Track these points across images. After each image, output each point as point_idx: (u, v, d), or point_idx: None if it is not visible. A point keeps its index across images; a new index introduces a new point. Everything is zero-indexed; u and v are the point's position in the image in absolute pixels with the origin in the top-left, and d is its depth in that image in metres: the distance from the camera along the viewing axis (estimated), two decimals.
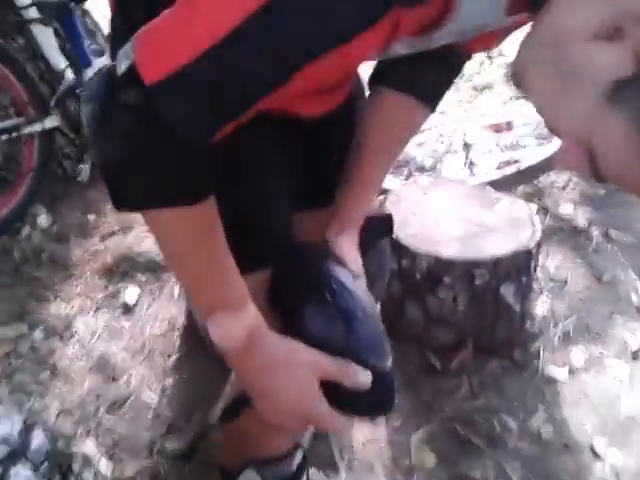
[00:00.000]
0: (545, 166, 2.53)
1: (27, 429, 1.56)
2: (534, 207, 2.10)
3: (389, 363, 1.01)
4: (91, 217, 2.68)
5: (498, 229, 2.03)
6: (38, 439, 1.53)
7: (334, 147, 1.20)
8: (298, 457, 1.21)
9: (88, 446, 1.81)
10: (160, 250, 0.91)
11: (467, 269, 1.94)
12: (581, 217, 2.59)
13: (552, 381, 1.99)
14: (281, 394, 0.92)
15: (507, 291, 1.99)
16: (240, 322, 0.89)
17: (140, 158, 0.77)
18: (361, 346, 0.98)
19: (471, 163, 2.64)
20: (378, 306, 1.99)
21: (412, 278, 2.01)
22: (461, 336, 2.04)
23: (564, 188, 2.74)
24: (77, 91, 2.50)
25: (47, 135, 2.52)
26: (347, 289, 1.02)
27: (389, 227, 1.29)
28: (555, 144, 2.57)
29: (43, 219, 2.65)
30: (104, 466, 1.76)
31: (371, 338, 1.01)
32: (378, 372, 0.97)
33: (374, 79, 1.13)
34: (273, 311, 1.01)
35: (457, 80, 3.63)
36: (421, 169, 2.38)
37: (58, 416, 1.90)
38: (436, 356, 2.04)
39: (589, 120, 0.64)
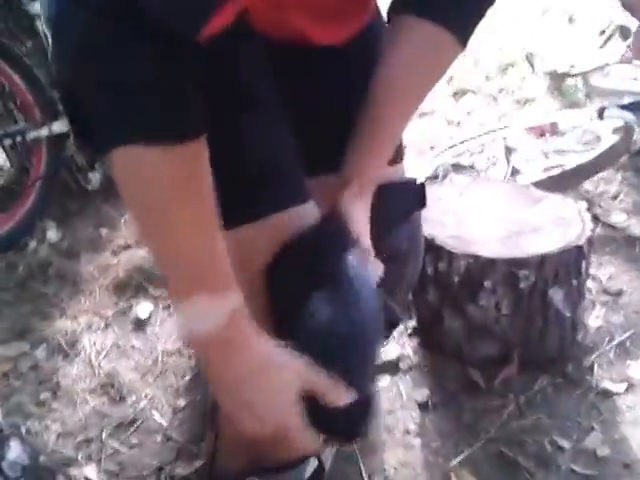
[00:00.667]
0: (593, 168, 2.34)
1: (2, 440, 1.37)
2: (583, 204, 1.90)
3: (374, 385, 0.93)
4: (104, 231, 2.55)
5: (543, 228, 1.83)
6: (15, 452, 1.34)
7: (346, 93, 1.01)
8: (311, 466, 1.01)
9: (89, 471, 1.64)
10: (130, 209, 0.75)
11: (510, 270, 1.74)
12: (635, 227, 2.38)
13: (609, 398, 1.76)
14: (258, 397, 0.80)
15: (556, 295, 1.78)
16: (221, 307, 0.74)
17: (117, 74, 0.64)
18: (350, 363, 0.86)
19: (514, 171, 2.45)
20: (409, 297, 1.83)
21: (450, 284, 1.81)
22: (506, 349, 1.82)
23: (615, 198, 2.53)
24: None
25: (56, 141, 2.40)
26: (354, 290, 0.87)
27: (422, 197, 1.12)
28: (604, 145, 2.38)
29: (53, 233, 2.54)
30: None
31: (362, 355, 0.88)
32: (362, 392, 0.86)
33: (394, 8, 0.96)
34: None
35: (497, 94, 3.50)
36: (457, 168, 2.20)
37: (58, 439, 1.74)
38: (479, 372, 1.83)
39: None
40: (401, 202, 1.04)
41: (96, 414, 1.80)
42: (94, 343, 2.04)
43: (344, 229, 0.91)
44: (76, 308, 2.19)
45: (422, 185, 1.12)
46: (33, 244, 2.47)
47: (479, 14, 0.96)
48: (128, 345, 2.04)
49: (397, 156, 1.14)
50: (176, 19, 0.64)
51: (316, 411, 0.86)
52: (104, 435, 1.73)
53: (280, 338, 0.83)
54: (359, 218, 0.94)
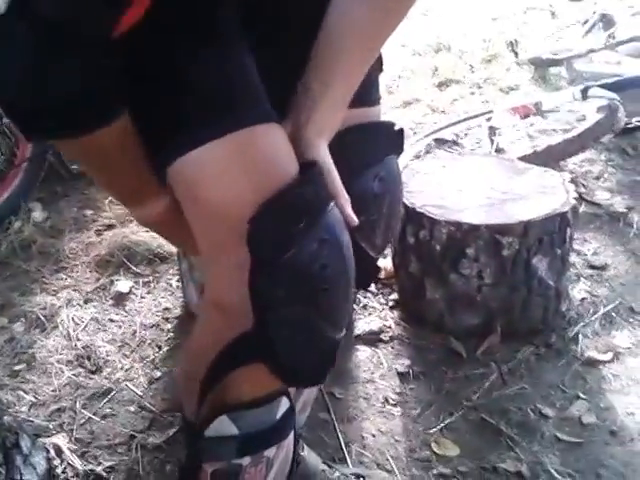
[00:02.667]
0: (577, 145, 2.32)
1: None
2: (567, 175, 1.88)
3: (342, 334, 0.93)
4: (88, 212, 2.51)
5: (527, 196, 1.81)
6: None
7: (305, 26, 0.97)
8: (283, 406, 0.98)
9: (59, 439, 1.59)
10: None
11: (493, 237, 1.71)
12: (619, 204, 2.38)
13: (594, 367, 1.74)
14: None
15: (540, 264, 1.75)
16: (149, 211, 0.96)
17: (29, 75, 0.71)
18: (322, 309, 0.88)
19: (498, 150, 2.43)
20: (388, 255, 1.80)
21: (431, 253, 1.79)
22: (489, 318, 1.79)
23: (599, 178, 2.53)
24: None
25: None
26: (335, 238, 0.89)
27: (399, 142, 1.10)
28: (588, 123, 2.37)
29: (38, 214, 2.51)
30: (76, 459, 1.53)
31: (335, 303, 0.90)
32: (329, 339, 0.90)
33: None
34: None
35: (481, 84, 3.51)
36: (440, 143, 2.18)
37: (30, 408, 1.69)
38: (461, 343, 1.80)
39: None
40: (373, 143, 1.02)
41: (70, 385, 1.76)
42: (73, 317, 2.00)
43: (322, 181, 0.91)
44: (57, 284, 2.15)
45: (400, 130, 1.10)
46: (18, 224, 2.44)
47: None
48: (107, 319, 2.00)
49: (373, 98, 1.11)
50: (83, 24, 0.67)
51: (281, 351, 0.87)
52: (77, 405, 1.69)
53: (256, 288, 0.85)
54: (330, 163, 0.93)
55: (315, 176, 0.89)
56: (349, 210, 0.93)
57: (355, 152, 0.98)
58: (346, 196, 0.94)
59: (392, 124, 1.11)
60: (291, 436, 1.03)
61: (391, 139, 1.09)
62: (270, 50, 0.97)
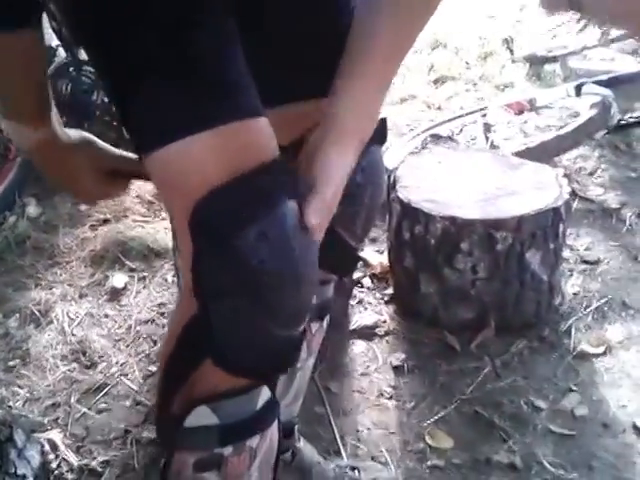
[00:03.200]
0: (571, 141, 2.34)
1: None
2: (560, 171, 1.89)
3: (294, 332, 0.91)
4: (83, 207, 2.51)
5: (521, 191, 1.82)
6: None
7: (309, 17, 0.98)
8: (264, 395, 0.97)
9: (53, 434, 1.60)
10: None
11: (487, 232, 1.73)
12: (612, 200, 2.39)
13: (586, 360, 1.75)
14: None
15: (533, 258, 1.76)
16: (27, 134, 1.02)
17: None
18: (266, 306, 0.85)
19: (493, 146, 2.44)
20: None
21: (426, 247, 1.80)
22: (482, 312, 1.81)
23: (592, 174, 2.54)
24: (69, 70, 2.36)
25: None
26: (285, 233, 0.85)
27: (381, 132, 1.09)
28: (581, 120, 2.38)
29: (32, 209, 2.50)
30: (70, 454, 1.54)
31: (281, 301, 0.86)
32: (276, 337, 0.88)
33: None
34: None
35: (477, 81, 3.53)
36: (436, 138, 2.19)
37: (25, 404, 1.69)
38: (455, 336, 1.81)
39: None
40: None
41: (65, 380, 1.76)
42: (67, 312, 2.00)
43: (283, 176, 0.87)
44: (51, 279, 2.15)
45: (383, 120, 1.09)
46: (12, 219, 2.43)
47: None
48: (102, 314, 2.00)
49: None
50: None
51: (221, 342, 0.86)
52: (72, 400, 1.69)
53: (195, 273, 0.84)
54: (331, 171, 0.89)
55: (275, 168, 0.86)
56: (308, 210, 0.87)
57: None
58: (317, 204, 0.88)
59: None
60: (274, 426, 1.02)
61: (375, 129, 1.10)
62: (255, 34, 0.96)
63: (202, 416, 0.93)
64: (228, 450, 0.96)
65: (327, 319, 1.24)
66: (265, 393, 0.97)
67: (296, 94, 0.98)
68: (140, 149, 0.86)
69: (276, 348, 0.90)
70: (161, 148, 0.82)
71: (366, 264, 2.11)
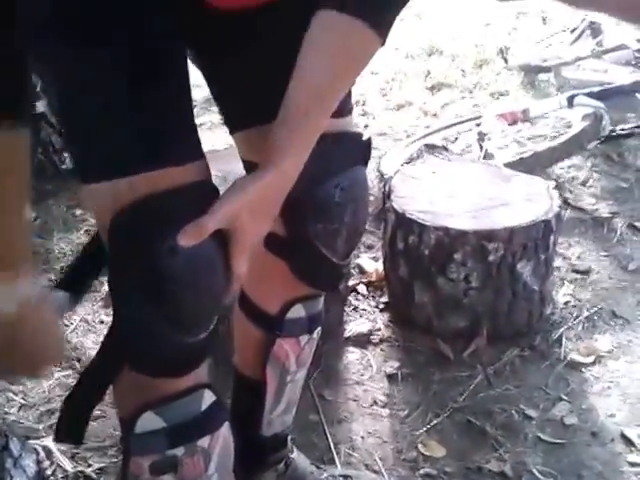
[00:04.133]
0: (563, 152, 2.38)
1: None
2: (552, 183, 1.93)
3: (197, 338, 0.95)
4: (77, 212, 2.53)
5: (513, 203, 1.86)
6: None
7: (274, 47, 1.02)
8: (207, 398, 1.01)
9: (48, 441, 1.62)
10: None
11: (479, 243, 1.76)
12: (603, 210, 2.43)
13: (576, 369, 1.79)
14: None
15: (524, 269, 1.80)
16: (13, 291, 0.84)
17: None
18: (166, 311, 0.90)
19: (487, 155, 2.48)
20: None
21: (420, 257, 1.83)
22: (475, 321, 1.84)
23: (584, 183, 2.57)
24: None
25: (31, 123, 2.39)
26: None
27: (365, 153, 1.14)
28: (574, 130, 2.42)
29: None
30: (65, 461, 1.56)
31: (184, 308, 0.92)
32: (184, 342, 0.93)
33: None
34: None
35: (472, 88, 3.53)
36: (431, 148, 2.23)
37: (20, 410, 1.72)
38: (448, 345, 1.85)
39: None
40: (337, 153, 1.04)
41: (60, 386, 1.78)
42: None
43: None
44: (46, 284, 2.18)
45: (367, 141, 1.13)
46: None
47: (397, 10, 0.97)
48: (97, 320, 2.02)
49: (343, 109, 1.12)
50: None
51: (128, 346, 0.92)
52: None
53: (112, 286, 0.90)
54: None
55: (187, 190, 0.92)
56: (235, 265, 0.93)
57: (318, 160, 0.98)
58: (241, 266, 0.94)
59: (359, 134, 1.14)
60: (224, 428, 1.04)
61: (357, 149, 1.12)
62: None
63: (149, 421, 0.97)
64: (180, 451, 0.99)
65: (318, 331, 1.26)
66: (209, 396, 1.01)
67: (271, 114, 1.02)
68: (81, 177, 0.94)
69: (181, 352, 0.94)
70: (85, 184, 0.92)
71: (362, 271, 2.15)
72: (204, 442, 1.01)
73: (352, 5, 0.93)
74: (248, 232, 0.94)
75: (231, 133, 1.16)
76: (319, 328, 1.26)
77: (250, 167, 1.11)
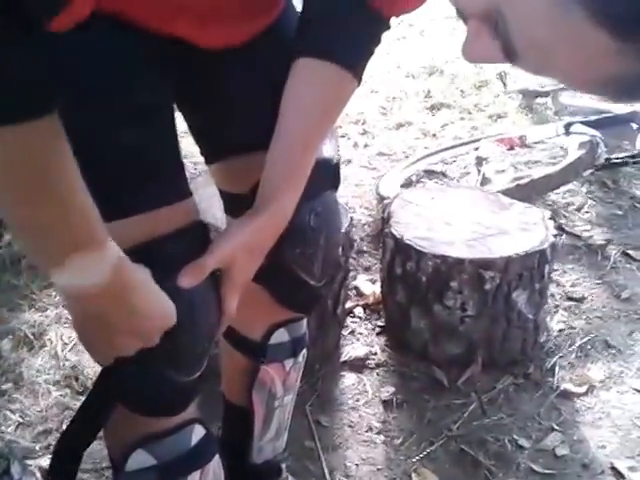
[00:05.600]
0: (559, 179, 2.41)
1: None
2: (547, 212, 1.96)
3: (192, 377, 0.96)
4: None
5: (510, 232, 1.88)
6: None
7: (254, 83, 1.07)
8: (197, 433, 1.03)
9: (45, 462, 1.63)
10: None
11: (476, 271, 1.78)
12: (598, 237, 2.46)
13: (569, 399, 1.81)
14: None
15: (520, 298, 1.83)
16: (103, 259, 0.76)
17: None
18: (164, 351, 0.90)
19: (485, 180, 2.51)
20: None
21: (417, 283, 1.86)
22: (470, 349, 1.87)
23: (580, 209, 2.60)
24: None
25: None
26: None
27: (335, 177, 1.17)
28: (570, 158, 2.46)
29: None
30: None
31: (189, 345, 0.94)
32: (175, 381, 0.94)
33: (296, 50, 1.01)
34: None
35: (471, 109, 3.57)
36: (430, 174, 2.25)
37: (17, 429, 1.72)
38: (443, 371, 1.87)
39: None
40: (312, 179, 1.05)
41: (57, 405, 1.78)
42: (61, 336, 2.02)
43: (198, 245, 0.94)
44: (46, 301, 2.17)
45: (336, 165, 1.16)
46: (8, 237, 2.45)
47: (371, 53, 1.03)
48: None
49: None
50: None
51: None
52: (64, 427, 1.72)
53: None
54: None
55: (190, 237, 0.94)
56: (227, 304, 0.97)
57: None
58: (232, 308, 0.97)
59: (329, 160, 1.17)
60: (214, 462, 1.06)
61: (328, 175, 1.15)
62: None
63: (140, 459, 0.98)
64: None
65: (303, 354, 1.28)
66: (199, 430, 1.03)
67: (251, 146, 1.05)
68: None
69: (176, 390, 0.96)
70: None
71: (359, 293, 2.17)
72: (194, 477, 1.02)
73: (330, 51, 0.98)
74: (243, 271, 0.98)
75: (208, 164, 1.18)
76: (304, 351, 1.28)
77: (227, 197, 1.16)
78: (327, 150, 2.63)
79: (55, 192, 0.71)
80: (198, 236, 0.96)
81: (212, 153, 1.16)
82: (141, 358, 0.90)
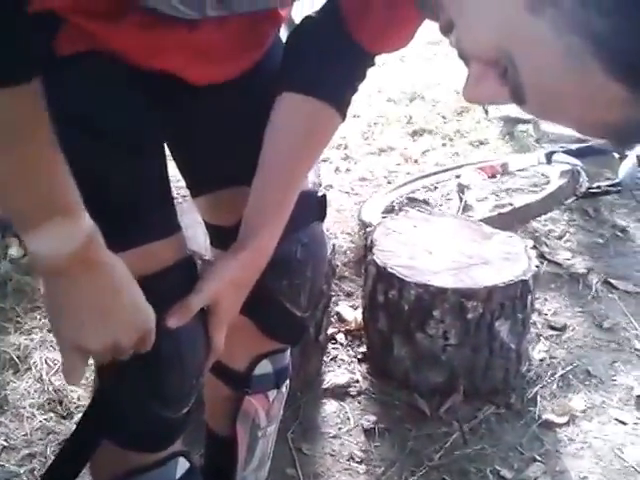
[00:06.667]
0: (540, 208, 2.43)
1: None
2: (530, 242, 1.98)
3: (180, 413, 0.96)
4: None
5: (492, 262, 1.89)
6: None
7: (241, 117, 1.07)
8: (182, 466, 1.02)
9: None
10: None
11: (458, 301, 1.79)
12: (579, 265, 2.47)
13: (551, 429, 1.81)
14: (118, 312, 0.82)
15: (502, 327, 1.83)
16: (77, 228, 0.75)
17: None
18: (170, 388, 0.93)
19: (466, 207, 2.52)
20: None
21: (400, 312, 1.86)
22: (452, 377, 1.87)
23: (561, 237, 2.62)
24: None
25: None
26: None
27: (322, 209, 1.18)
28: (551, 187, 2.48)
29: (15, 250, 2.50)
30: None
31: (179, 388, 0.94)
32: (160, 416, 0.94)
33: (280, 86, 1.02)
34: None
35: (452, 136, 3.60)
36: (412, 202, 2.26)
37: (1, 453, 1.71)
38: (425, 400, 1.87)
39: (509, 27, 0.60)
40: (297, 211, 1.06)
41: (42, 429, 1.77)
42: (46, 359, 2.01)
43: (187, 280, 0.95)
44: (31, 324, 2.16)
45: (322, 197, 1.17)
46: None
47: (356, 88, 1.04)
48: None
49: None
50: None
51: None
52: (49, 451, 1.71)
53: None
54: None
55: (178, 274, 0.94)
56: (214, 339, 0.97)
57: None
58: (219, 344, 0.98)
59: (315, 192, 1.18)
60: None
61: (314, 206, 1.16)
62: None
63: None
64: None
65: (286, 384, 1.28)
66: (183, 463, 1.02)
67: (237, 179, 1.06)
68: None
69: (164, 426, 0.96)
70: None
71: (341, 319, 2.17)
72: None
73: (315, 87, 0.99)
74: (229, 307, 0.98)
75: (193, 196, 1.18)
76: (287, 381, 1.28)
77: (213, 229, 1.17)
78: (309, 175, 2.65)
79: (30, 153, 0.71)
80: (186, 272, 0.96)
81: (197, 186, 1.15)
82: (129, 394, 0.90)
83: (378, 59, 1.06)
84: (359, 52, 1.00)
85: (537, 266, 1.90)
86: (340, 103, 1.01)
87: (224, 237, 1.06)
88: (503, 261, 1.89)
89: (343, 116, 1.03)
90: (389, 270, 1.87)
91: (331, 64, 0.99)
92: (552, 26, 0.56)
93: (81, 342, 0.82)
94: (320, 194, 1.17)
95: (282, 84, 1.01)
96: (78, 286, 0.78)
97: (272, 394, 1.24)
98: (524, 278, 1.83)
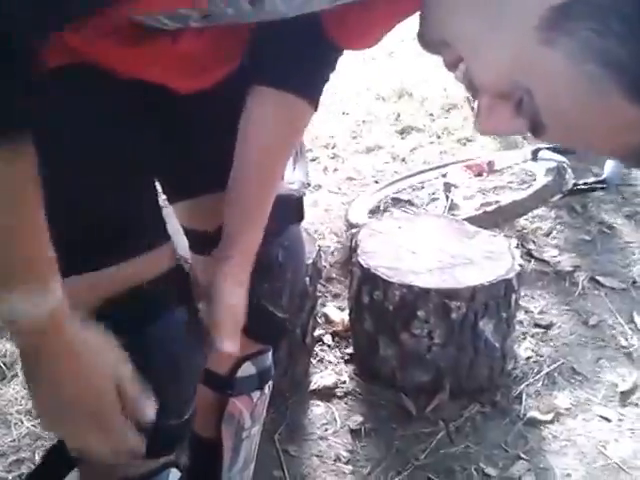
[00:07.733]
0: (527, 205, 2.44)
1: None
2: (514, 241, 1.98)
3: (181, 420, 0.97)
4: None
5: (476, 261, 1.90)
6: None
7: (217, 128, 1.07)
8: (174, 476, 1.02)
9: None
10: None
11: (442, 301, 1.80)
12: (566, 262, 2.48)
13: (536, 427, 1.82)
14: (75, 384, 0.80)
15: (486, 327, 1.84)
16: (45, 298, 0.73)
17: None
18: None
19: (453, 206, 2.53)
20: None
21: (385, 312, 1.87)
22: (437, 377, 1.88)
23: (548, 235, 2.63)
24: None
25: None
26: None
27: (299, 211, 1.19)
28: (538, 184, 2.49)
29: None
30: None
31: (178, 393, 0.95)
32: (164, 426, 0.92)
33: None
34: None
35: (440, 133, 3.59)
36: (397, 202, 2.27)
37: None
38: (411, 399, 1.88)
39: (524, 59, 0.60)
40: (275, 215, 1.06)
41: (30, 435, 1.78)
42: None
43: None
44: None
45: (299, 199, 1.18)
46: None
47: (327, 79, 1.04)
48: None
49: None
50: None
51: None
52: (37, 457, 1.72)
53: None
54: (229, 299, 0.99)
55: (167, 281, 0.94)
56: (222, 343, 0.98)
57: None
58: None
59: (291, 195, 1.19)
60: None
61: (292, 209, 1.17)
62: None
63: None
64: None
65: (269, 385, 1.29)
66: (175, 474, 1.02)
67: (217, 184, 1.05)
68: None
69: (164, 435, 0.95)
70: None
71: (328, 321, 2.17)
72: None
73: (285, 80, 0.99)
74: (239, 312, 1.00)
75: (171, 202, 1.18)
76: (270, 382, 1.29)
77: (192, 234, 1.17)
78: (297, 175, 2.66)
79: (16, 215, 0.69)
80: (179, 276, 0.96)
81: (177, 192, 1.16)
82: None
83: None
84: (331, 47, 0.99)
85: (521, 265, 1.90)
86: (311, 94, 1.01)
87: (204, 242, 1.07)
88: (487, 260, 1.90)
89: (315, 107, 1.02)
90: (373, 271, 1.88)
91: (301, 57, 0.99)
92: (568, 55, 0.57)
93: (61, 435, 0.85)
94: (297, 195, 1.18)
95: (253, 78, 1.01)
96: (55, 361, 0.78)
97: (256, 395, 1.26)
98: (508, 277, 1.84)
